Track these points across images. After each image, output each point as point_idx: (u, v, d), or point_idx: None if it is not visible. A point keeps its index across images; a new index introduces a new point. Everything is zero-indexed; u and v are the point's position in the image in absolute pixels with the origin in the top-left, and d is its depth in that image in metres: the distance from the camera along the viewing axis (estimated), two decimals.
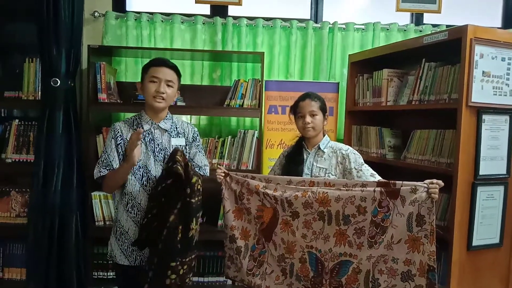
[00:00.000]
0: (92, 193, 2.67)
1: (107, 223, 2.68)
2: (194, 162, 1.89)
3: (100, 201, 2.67)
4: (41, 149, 2.53)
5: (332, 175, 1.92)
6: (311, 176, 1.94)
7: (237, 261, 1.93)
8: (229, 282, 2.05)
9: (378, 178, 1.86)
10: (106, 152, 1.78)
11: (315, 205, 1.77)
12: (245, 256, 1.93)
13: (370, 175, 1.86)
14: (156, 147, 1.81)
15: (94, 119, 2.69)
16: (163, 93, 1.77)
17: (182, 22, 2.96)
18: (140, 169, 1.78)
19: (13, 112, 2.98)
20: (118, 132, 1.81)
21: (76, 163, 2.60)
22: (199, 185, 1.76)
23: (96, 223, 2.67)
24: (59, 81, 2.53)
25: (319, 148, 1.98)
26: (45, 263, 2.53)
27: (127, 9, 3.06)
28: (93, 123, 2.67)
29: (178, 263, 1.68)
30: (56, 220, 2.54)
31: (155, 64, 1.80)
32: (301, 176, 1.94)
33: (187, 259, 1.73)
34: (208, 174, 1.93)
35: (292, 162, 2.01)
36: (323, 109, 1.97)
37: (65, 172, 2.56)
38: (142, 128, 1.81)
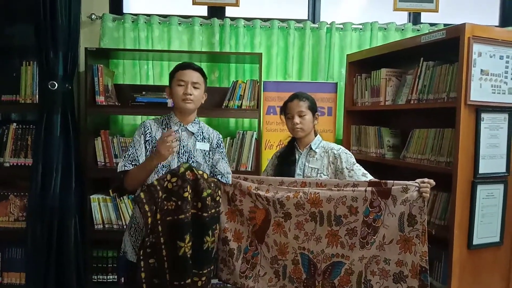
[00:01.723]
0: (91, 196, 2.66)
1: (106, 226, 2.68)
2: (216, 168, 1.90)
3: (99, 204, 2.67)
4: (39, 153, 2.53)
5: (324, 175, 1.91)
6: (303, 177, 1.93)
7: (230, 264, 1.92)
8: (229, 285, 2.04)
9: (369, 177, 1.85)
10: (134, 147, 1.80)
11: (307, 206, 1.76)
12: (238, 258, 1.92)
13: (361, 174, 1.86)
14: (181, 149, 1.83)
15: (92, 122, 2.69)
16: (191, 95, 1.80)
17: (179, 23, 2.96)
18: (164, 168, 1.79)
19: (10, 116, 2.97)
20: (148, 129, 1.84)
21: (74, 166, 2.60)
22: (217, 196, 1.80)
23: (95, 226, 2.67)
24: (56, 84, 2.53)
25: (311, 148, 1.97)
26: (44, 267, 2.53)
27: (124, 11, 3.05)
28: (91, 125, 2.67)
29: (193, 278, 1.71)
30: (55, 223, 2.54)
31: (181, 67, 1.85)
32: (294, 176, 1.93)
33: (205, 271, 1.76)
34: (230, 182, 1.93)
35: (284, 162, 2.01)
36: (312, 108, 1.96)
37: (64, 175, 2.56)
38: (171, 128, 1.84)
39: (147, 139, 1.82)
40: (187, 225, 1.67)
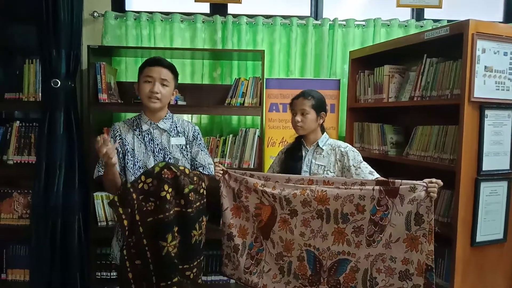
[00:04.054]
0: (94, 194, 2.66)
1: (110, 223, 2.68)
2: (196, 161, 1.88)
3: (102, 202, 2.67)
4: (42, 150, 2.54)
5: (330, 172, 1.91)
6: (310, 173, 1.93)
7: (235, 259, 1.94)
8: (233, 281, 2.04)
9: (376, 175, 1.85)
10: None
11: (313, 204, 1.77)
12: (242, 254, 1.93)
13: (368, 172, 1.86)
14: (155, 147, 1.81)
15: (95, 120, 2.68)
16: (157, 93, 1.74)
17: (181, 21, 2.95)
18: (140, 169, 1.77)
19: (14, 114, 2.98)
20: (117, 131, 1.82)
21: (77, 164, 2.60)
22: (201, 189, 1.77)
23: (99, 224, 2.67)
24: (59, 82, 2.53)
25: (318, 145, 1.97)
26: (48, 264, 2.54)
27: (127, 8, 3.05)
28: (94, 123, 2.67)
29: (185, 272, 1.70)
30: (59, 221, 2.54)
31: (150, 63, 1.78)
32: (300, 172, 1.94)
33: (195, 263, 1.75)
34: (213, 173, 1.91)
35: (291, 158, 2.01)
36: (316, 107, 1.95)
37: (67, 173, 2.57)
38: (141, 128, 1.81)
39: (117, 141, 1.78)
40: (168, 224, 1.65)
